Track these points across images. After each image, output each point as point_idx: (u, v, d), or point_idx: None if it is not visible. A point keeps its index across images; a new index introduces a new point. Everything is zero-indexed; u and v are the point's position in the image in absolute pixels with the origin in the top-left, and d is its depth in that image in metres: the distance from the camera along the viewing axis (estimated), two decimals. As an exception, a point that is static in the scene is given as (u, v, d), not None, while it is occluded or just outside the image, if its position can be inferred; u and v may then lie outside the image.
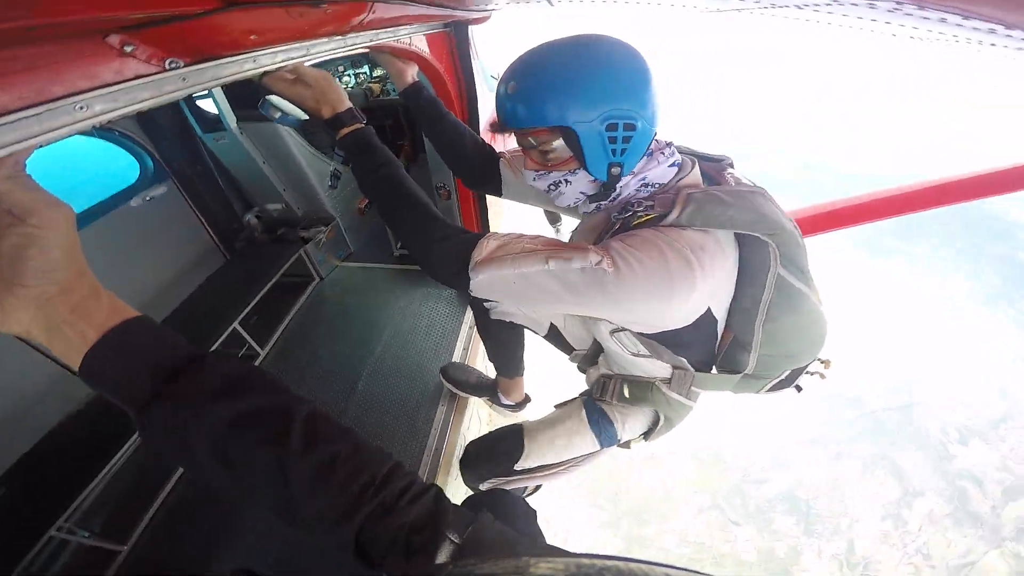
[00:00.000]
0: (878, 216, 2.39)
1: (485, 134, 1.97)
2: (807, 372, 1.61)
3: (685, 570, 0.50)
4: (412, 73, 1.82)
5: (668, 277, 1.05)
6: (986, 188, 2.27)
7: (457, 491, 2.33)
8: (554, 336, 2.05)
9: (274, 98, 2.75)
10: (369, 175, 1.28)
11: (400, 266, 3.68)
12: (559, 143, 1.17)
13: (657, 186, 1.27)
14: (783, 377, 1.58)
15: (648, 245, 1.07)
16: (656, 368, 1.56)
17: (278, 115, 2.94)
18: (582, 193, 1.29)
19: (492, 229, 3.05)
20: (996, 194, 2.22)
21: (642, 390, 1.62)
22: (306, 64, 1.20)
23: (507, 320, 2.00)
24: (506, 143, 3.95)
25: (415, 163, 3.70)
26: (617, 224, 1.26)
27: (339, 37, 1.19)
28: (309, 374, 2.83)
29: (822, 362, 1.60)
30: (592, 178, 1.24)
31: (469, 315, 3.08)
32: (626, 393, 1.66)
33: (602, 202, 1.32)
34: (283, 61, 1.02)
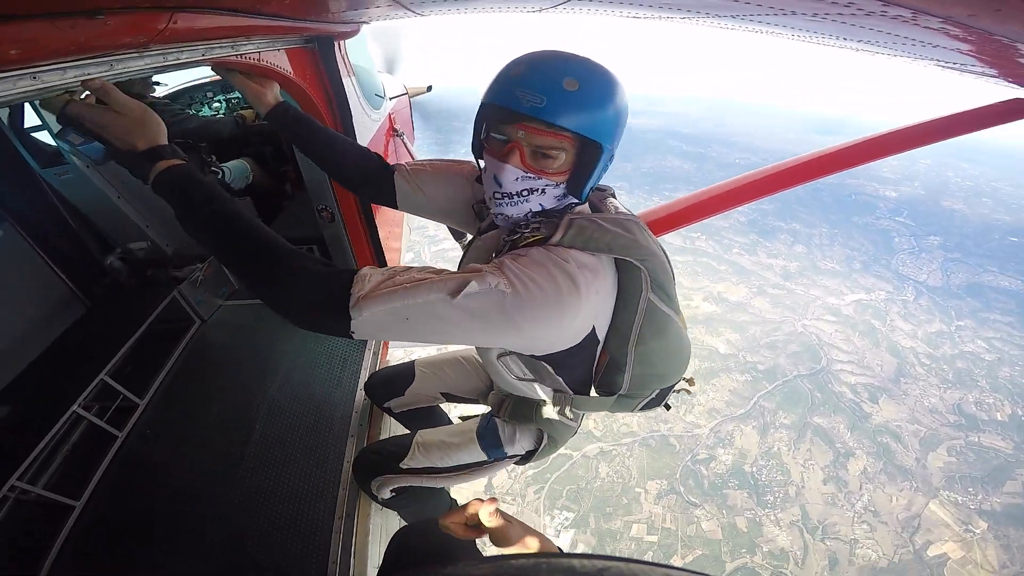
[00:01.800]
0: (755, 196, 2.41)
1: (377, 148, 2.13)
2: (674, 391, 1.78)
3: (685, 570, 0.52)
4: (272, 94, 1.76)
5: (558, 294, 1.10)
6: (842, 161, 2.38)
7: (381, 525, 2.37)
8: (451, 397, 2.25)
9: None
10: (194, 215, 1.10)
11: None
12: (568, 155, 1.19)
13: (547, 209, 1.30)
14: (653, 396, 1.70)
15: (537, 266, 1.11)
16: (538, 391, 1.66)
17: (79, 142, 2.76)
18: (540, 205, 1.28)
19: (387, 252, 3.01)
20: (852, 166, 2.35)
21: (527, 409, 1.73)
22: (114, 83, 1.09)
23: (412, 409, 2.24)
24: (397, 155, 3.91)
25: (301, 190, 3.40)
26: (506, 245, 1.29)
27: (152, 52, 1.06)
28: (199, 423, 2.63)
29: (687, 380, 1.76)
30: (559, 194, 1.27)
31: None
32: (512, 412, 1.77)
33: (520, 220, 1.32)
34: (76, 78, 0.90)
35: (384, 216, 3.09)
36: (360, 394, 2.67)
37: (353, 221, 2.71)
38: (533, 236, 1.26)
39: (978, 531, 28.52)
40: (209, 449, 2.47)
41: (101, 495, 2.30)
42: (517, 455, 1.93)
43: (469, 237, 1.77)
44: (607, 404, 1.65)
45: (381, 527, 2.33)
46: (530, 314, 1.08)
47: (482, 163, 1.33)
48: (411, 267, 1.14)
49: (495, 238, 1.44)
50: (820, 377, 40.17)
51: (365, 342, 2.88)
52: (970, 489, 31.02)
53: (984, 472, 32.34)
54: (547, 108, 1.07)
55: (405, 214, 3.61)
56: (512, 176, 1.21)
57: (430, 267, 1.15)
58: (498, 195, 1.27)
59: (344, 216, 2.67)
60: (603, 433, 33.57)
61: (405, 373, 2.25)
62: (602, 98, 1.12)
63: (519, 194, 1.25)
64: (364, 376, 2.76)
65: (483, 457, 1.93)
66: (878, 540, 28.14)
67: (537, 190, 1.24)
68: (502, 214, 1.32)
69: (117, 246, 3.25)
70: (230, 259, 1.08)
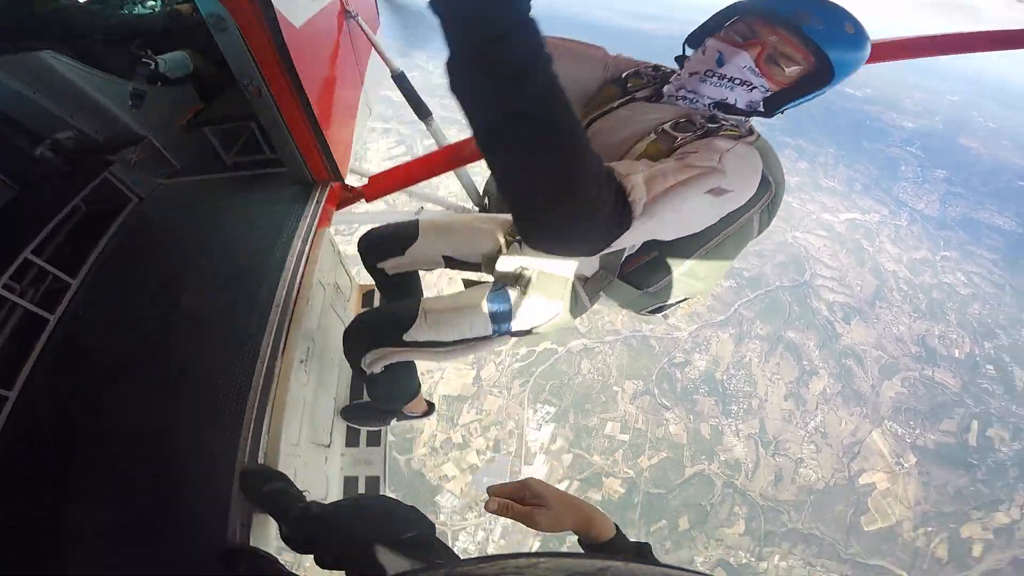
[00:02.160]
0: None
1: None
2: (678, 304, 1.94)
3: (685, 569, 0.59)
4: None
5: (748, 192, 1.30)
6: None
7: (301, 402, 2.35)
8: (453, 262, 2.17)
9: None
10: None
11: (236, 173, 3.30)
12: (795, 75, 1.37)
13: (734, 107, 1.44)
14: (664, 304, 1.89)
15: (742, 160, 1.27)
16: (584, 267, 1.74)
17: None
18: (736, 101, 1.41)
19: (336, 145, 2.91)
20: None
21: (556, 284, 1.76)
22: None
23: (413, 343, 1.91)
24: (354, 43, 3.50)
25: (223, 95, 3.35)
26: (701, 130, 1.35)
27: None
28: (133, 302, 2.55)
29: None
30: (755, 100, 1.42)
31: (313, 204, 2.89)
32: (535, 284, 1.78)
33: (709, 104, 1.45)
34: None
35: (328, 95, 2.94)
36: (291, 262, 2.54)
37: (285, 99, 2.51)
38: (732, 131, 1.38)
39: (907, 465, 31.00)
40: (139, 329, 2.41)
41: (36, 381, 2.24)
42: (521, 331, 1.92)
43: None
44: (632, 296, 1.83)
45: (302, 403, 2.35)
46: (731, 205, 1.25)
47: (688, 49, 1.51)
48: (651, 162, 1.20)
49: (663, 112, 1.47)
50: (801, 290, 41.37)
51: (303, 212, 2.83)
52: (911, 423, 33.27)
53: (928, 407, 34.49)
54: (822, 32, 1.26)
55: (362, 94, 3.60)
56: (741, 63, 1.34)
57: (669, 161, 1.21)
58: (710, 72, 1.38)
59: (273, 91, 2.48)
60: (588, 329, 34.49)
61: (408, 231, 2.11)
62: (859, 48, 1.31)
63: (732, 79, 1.36)
64: (297, 247, 2.63)
65: (488, 331, 1.88)
66: (820, 462, 30.57)
67: (748, 85, 1.37)
68: (696, 92, 1.42)
69: (46, 139, 3.12)
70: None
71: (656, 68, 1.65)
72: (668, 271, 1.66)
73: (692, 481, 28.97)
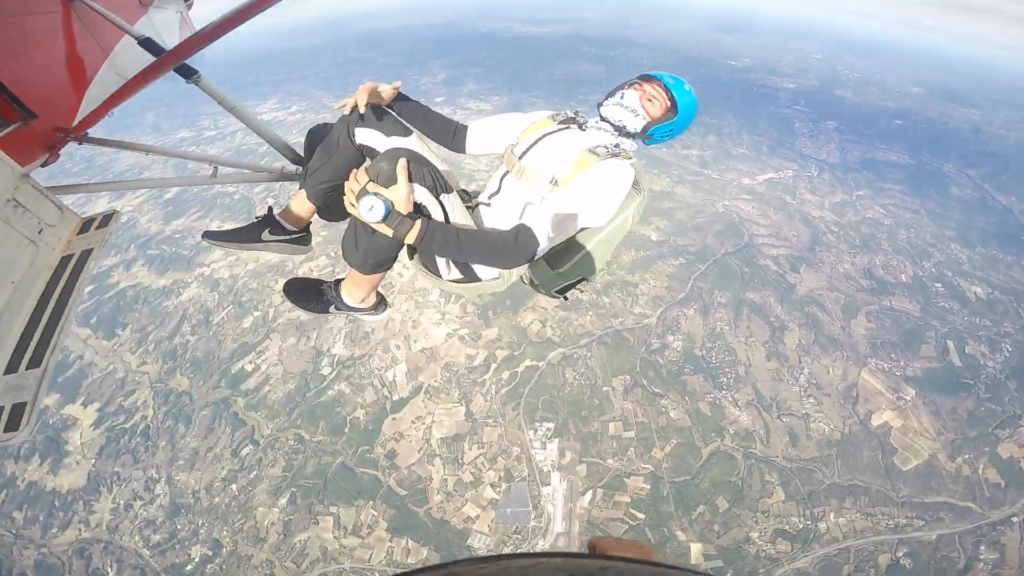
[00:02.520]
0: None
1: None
2: (577, 288, 3.17)
3: (684, 569, 0.58)
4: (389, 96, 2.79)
5: (615, 198, 2.54)
6: None
7: None
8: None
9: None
10: (448, 250, 2.31)
11: None
12: (662, 109, 2.73)
13: (627, 130, 2.74)
14: (567, 285, 3.06)
15: (622, 175, 2.53)
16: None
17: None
18: (629, 126, 2.73)
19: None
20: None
21: None
22: None
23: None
24: (93, 34, 4.04)
25: None
26: (608, 152, 2.55)
27: None
28: None
29: (585, 288, 3.19)
30: (639, 127, 2.74)
31: None
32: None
33: (612, 129, 2.77)
34: None
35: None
36: None
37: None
38: (625, 155, 2.64)
39: (908, 398, 31.40)
40: None
41: None
42: (477, 276, 2.85)
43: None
44: (548, 275, 3.00)
45: None
46: (601, 214, 2.54)
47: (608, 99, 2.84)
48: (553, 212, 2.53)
49: (588, 137, 2.69)
50: (745, 252, 42.50)
51: None
52: (892, 355, 34.07)
53: (900, 337, 35.54)
54: (673, 85, 2.70)
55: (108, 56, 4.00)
56: (633, 97, 2.69)
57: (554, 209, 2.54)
58: (616, 103, 2.71)
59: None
60: (562, 338, 34.10)
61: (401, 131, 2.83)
62: (692, 98, 2.73)
63: (627, 107, 2.68)
64: None
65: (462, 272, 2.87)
66: (826, 413, 30.46)
67: (635, 112, 2.68)
68: (607, 119, 2.74)
69: None
70: (481, 262, 2.60)
71: (576, 112, 2.85)
72: (571, 256, 2.83)
73: (712, 461, 28.11)
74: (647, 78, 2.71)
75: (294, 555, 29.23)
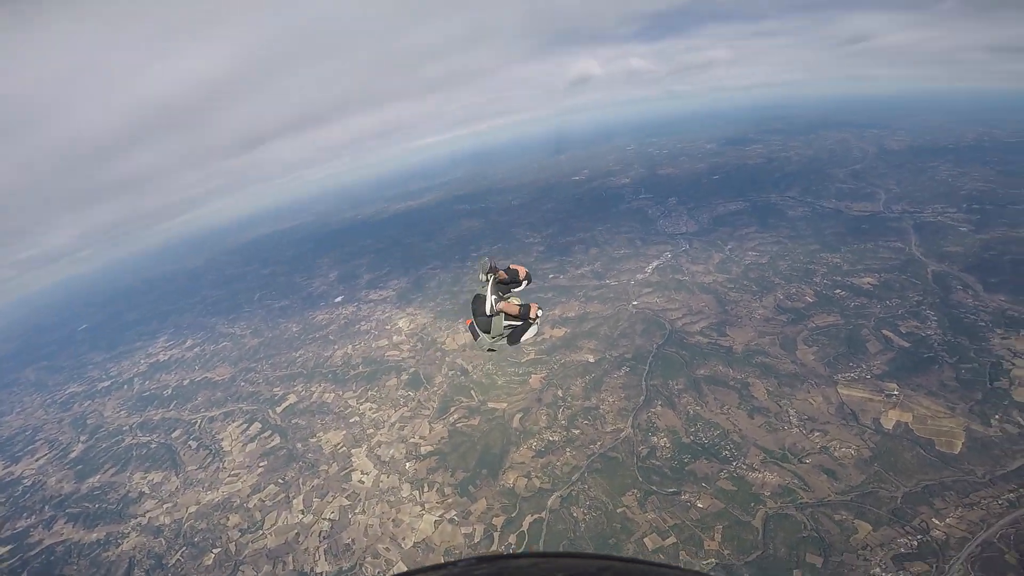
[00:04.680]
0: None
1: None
2: (490, 347, 9.42)
3: (684, 569, 0.56)
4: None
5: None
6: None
7: None
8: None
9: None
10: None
11: None
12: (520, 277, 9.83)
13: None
14: (496, 339, 9.45)
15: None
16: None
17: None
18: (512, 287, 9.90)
19: None
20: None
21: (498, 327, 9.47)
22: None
23: None
24: None
25: None
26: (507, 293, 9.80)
27: None
28: None
29: (491, 347, 9.61)
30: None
31: None
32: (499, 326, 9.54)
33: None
34: None
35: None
36: None
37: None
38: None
39: (896, 392, 33.19)
40: None
41: None
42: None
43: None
44: (511, 343, 9.51)
45: None
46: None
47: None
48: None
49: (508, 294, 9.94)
50: (675, 338, 44.56)
51: None
52: (851, 364, 36.57)
53: (844, 346, 38.26)
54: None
55: None
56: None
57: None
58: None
59: None
60: (552, 482, 33.64)
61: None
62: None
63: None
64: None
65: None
66: (840, 438, 31.25)
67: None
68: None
69: None
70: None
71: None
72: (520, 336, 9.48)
73: (771, 527, 27.65)
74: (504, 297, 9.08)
75: None
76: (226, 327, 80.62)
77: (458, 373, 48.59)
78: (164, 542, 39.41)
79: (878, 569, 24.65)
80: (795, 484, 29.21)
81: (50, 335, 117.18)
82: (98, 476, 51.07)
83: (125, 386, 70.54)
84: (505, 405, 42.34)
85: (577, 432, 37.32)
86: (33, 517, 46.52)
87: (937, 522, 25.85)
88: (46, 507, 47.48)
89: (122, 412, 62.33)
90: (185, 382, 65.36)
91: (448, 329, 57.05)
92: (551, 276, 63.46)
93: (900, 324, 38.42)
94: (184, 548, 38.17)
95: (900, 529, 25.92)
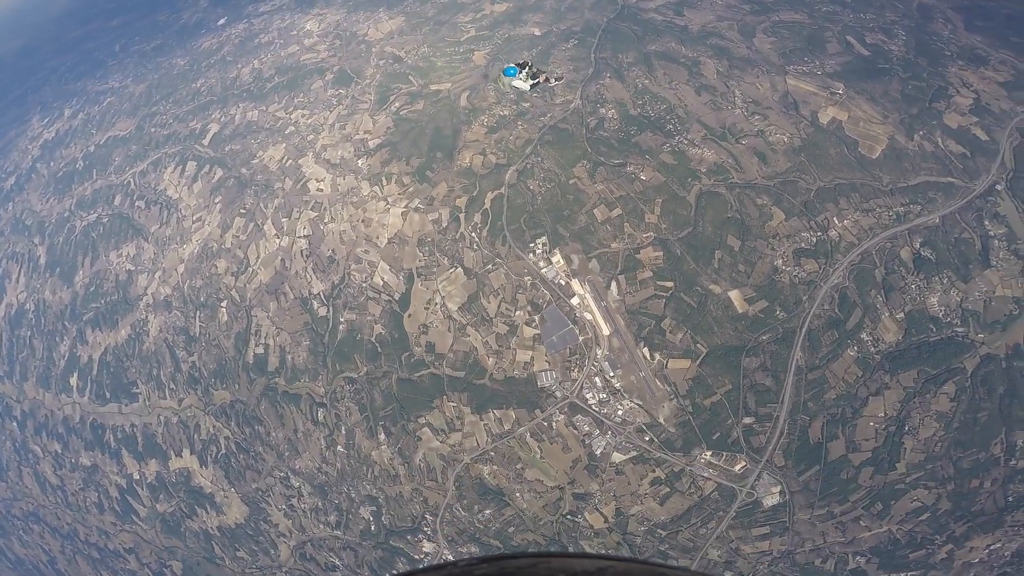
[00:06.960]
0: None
1: None
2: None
3: (684, 569, 0.61)
4: None
5: None
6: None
7: None
8: None
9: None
10: None
11: None
12: None
13: None
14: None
15: None
16: None
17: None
18: None
19: None
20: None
21: None
22: None
23: None
24: None
25: None
26: None
27: None
28: None
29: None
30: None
31: None
32: None
33: None
34: None
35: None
36: None
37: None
38: None
39: (841, 91, 32.81)
40: None
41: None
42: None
43: None
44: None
45: None
46: None
47: None
48: None
49: None
50: (627, 13, 41.74)
51: None
52: (805, 59, 35.17)
53: (804, 43, 36.53)
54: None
55: None
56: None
57: None
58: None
59: None
60: (507, 157, 34.13)
61: None
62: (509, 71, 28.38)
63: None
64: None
65: None
66: (777, 124, 31.82)
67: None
68: None
69: None
70: None
71: None
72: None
73: (703, 204, 29.59)
74: None
75: (425, 474, 31.04)
76: (99, 85, 71.55)
77: (390, 61, 44.61)
78: (179, 314, 40.45)
79: (780, 261, 27.74)
80: (729, 163, 30.64)
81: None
82: (80, 272, 49.00)
83: (32, 175, 63.43)
84: (449, 85, 40.16)
85: (527, 106, 36.63)
86: (66, 339, 46.74)
87: (837, 222, 28.56)
88: (65, 323, 47.54)
89: (51, 200, 56.90)
90: (91, 148, 58.78)
91: (369, 20, 50.39)
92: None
93: (867, 35, 36.85)
94: (197, 312, 39.42)
95: (806, 222, 28.55)
